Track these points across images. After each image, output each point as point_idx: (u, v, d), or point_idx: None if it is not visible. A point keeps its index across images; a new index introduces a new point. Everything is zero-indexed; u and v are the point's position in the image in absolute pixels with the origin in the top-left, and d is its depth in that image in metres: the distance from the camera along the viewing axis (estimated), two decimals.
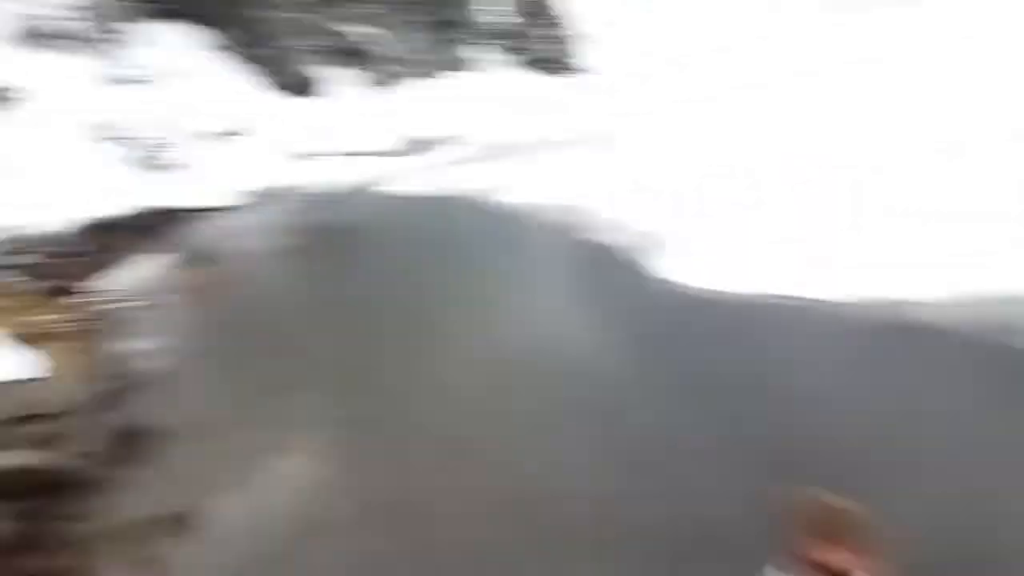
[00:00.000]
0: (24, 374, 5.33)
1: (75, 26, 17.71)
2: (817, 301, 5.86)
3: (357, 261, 8.73)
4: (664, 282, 6.90)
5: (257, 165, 14.78)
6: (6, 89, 12.36)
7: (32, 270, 7.48)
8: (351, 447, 4.35)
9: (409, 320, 6.49)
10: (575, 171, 12.06)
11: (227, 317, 6.95)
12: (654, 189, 9.77)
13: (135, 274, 8.14)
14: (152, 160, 14.11)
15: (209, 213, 11.59)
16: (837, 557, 1.47)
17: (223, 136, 16.90)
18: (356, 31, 23.91)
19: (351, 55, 23.63)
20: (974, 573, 2.93)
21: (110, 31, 18.37)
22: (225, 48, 22.04)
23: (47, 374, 5.41)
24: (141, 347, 6.12)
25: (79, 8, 18.18)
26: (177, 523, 3.76)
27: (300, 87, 21.69)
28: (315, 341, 6.14)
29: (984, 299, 5.48)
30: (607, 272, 7.61)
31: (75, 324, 6.35)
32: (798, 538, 1.52)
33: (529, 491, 3.71)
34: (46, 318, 6.25)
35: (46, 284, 7.15)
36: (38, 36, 16.59)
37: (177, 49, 19.91)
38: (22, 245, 8.42)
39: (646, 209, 8.97)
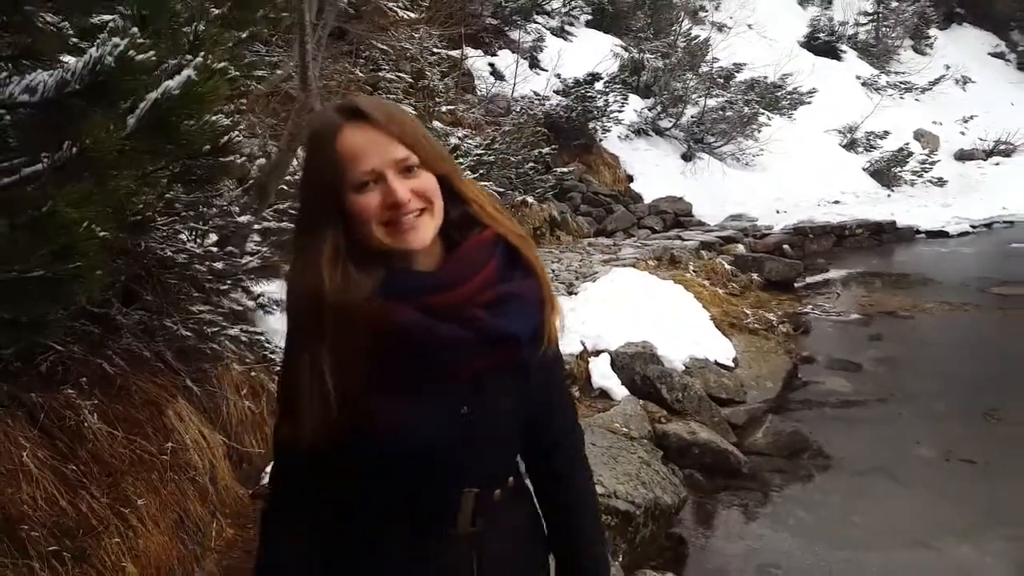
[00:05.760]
0: (720, 358, 5.90)
1: (857, 32, 18.47)
2: None
3: None
4: None
5: (1010, 191, 12.78)
6: (797, 91, 13.77)
7: (742, 261, 8.20)
8: None
9: None
10: None
11: (920, 357, 6.37)
12: None
13: (835, 285, 8.19)
14: (890, 171, 13.81)
15: (931, 236, 10.67)
16: None
17: (979, 154, 15.26)
18: None
19: None
20: None
21: (891, 37, 18.56)
22: (1008, 56, 19.79)
23: (735, 364, 5.89)
24: (826, 360, 6.15)
25: (868, 14, 18.84)
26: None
27: None
28: (1014, 414, 5.15)
29: None
30: None
31: (770, 322, 6.73)
32: None
33: None
34: (746, 310, 6.80)
35: (753, 276, 7.80)
36: (822, 41, 17.93)
37: (955, 57, 18.79)
38: (741, 235, 9.32)
39: None
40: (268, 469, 3.26)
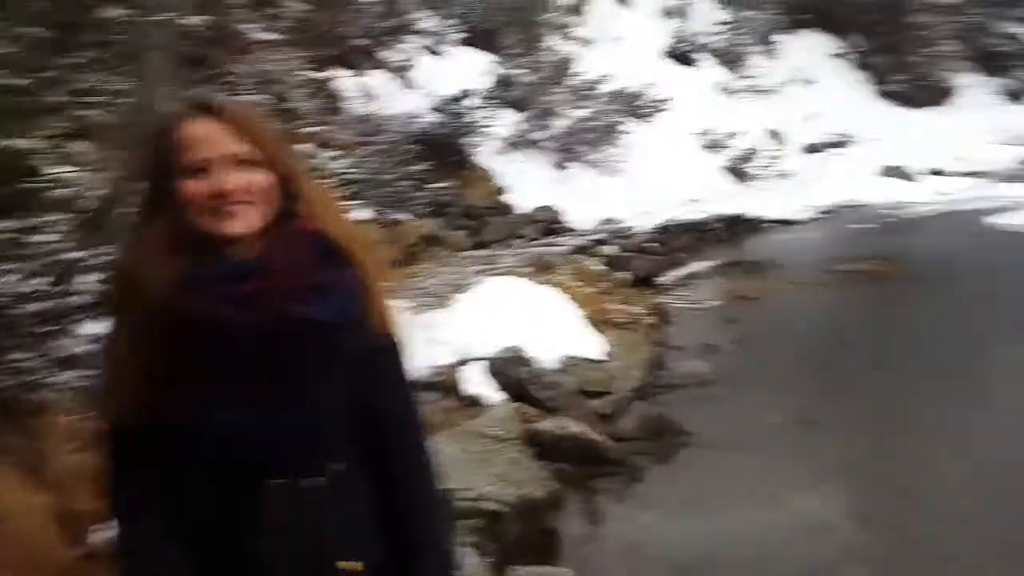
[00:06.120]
0: (591, 354, 6.11)
1: (714, 40, 19.61)
2: None
3: (924, 294, 7.59)
4: None
5: (851, 179, 13.94)
6: (655, 99, 14.47)
7: (612, 261, 8.56)
8: (865, 495, 4.09)
9: (968, 368, 5.60)
10: None
11: (769, 332, 6.89)
12: None
13: (695, 276, 8.70)
14: (746, 169, 14.73)
15: (783, 225, 11.47)
16: None
17: (823, 147, 16.54)
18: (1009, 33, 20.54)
19: (995, 61, 20.48)
20: None
21: (744, 44, 19.77)
22: (849, 56, 21.53)
23: (607, 357, 6.12)
24: (688, 345, 6.53)
25: (724, 24, 20.03)
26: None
27: (919, 97, 19.77)
28: (859, 378, 5.69)
29: None
30: None
31: (637, 316, 7.04)
32: None
33: None
34: (616, 307, 7.09)
35: (622, 275, 8.14)
36: (682, 51, 18.93)
37: (801, 59, 20.28)
38: (611, 237, 9.73)
39: None
40: (95, 527, 3.05)
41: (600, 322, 6.75)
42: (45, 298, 3.09)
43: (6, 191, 2.48)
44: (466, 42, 15.23)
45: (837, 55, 22.03)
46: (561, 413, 5.14)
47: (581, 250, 9.16)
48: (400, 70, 12.94)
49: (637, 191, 12.12)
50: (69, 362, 3.23)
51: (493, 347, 5.57)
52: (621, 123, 13.50)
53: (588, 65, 15.53)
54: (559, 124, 13.38)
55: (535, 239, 10.11)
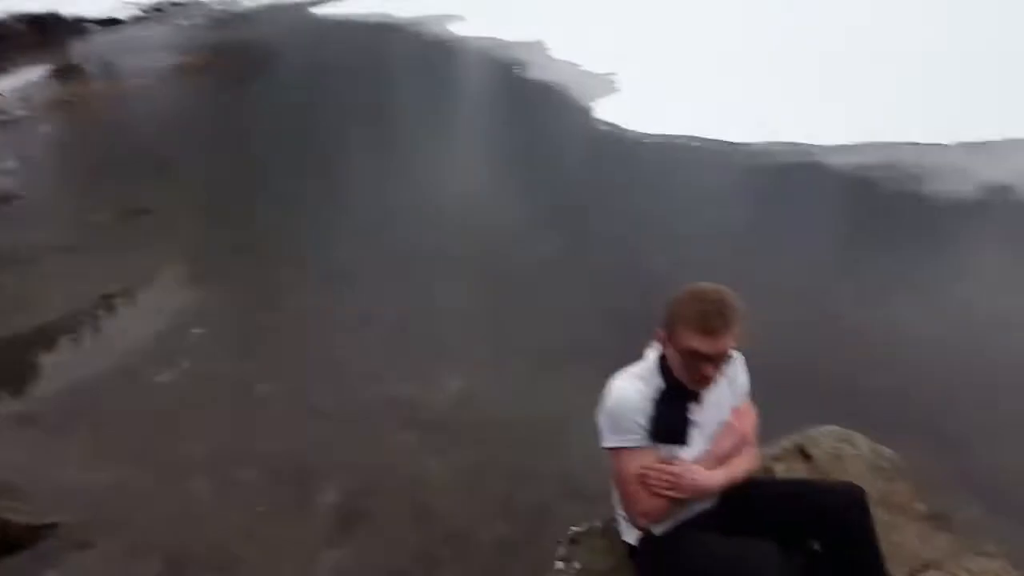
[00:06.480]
0: None
1: None
2: (730, 144, 5.68)
3: (257, 83, 7.91)
4: (591, 120, 6.44)
5: None
6: None
7: None
8: (217, 274, 4.14)
9: (300, 147, 6.05)
10: (534, 6, 10.72)
11: (97, 135, 6.32)
12: (612, 30, 9.00)
13: (12, 83, 7.21)
14: None
15: (105, 25, 10.23)
16: (716, 342, 1.36)
17: None
18: None
19: None
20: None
21: None
22: None
23: None
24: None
25: None
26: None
27: None
28: (193, 165, 5.67)
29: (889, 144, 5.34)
30: (535, 108, 7.09)
31: None
32: (675, 327, 1.40)
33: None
34: None
35: None
36: None
37: None
38: None
39: (597, 49, 8.19)
40: None
41: None
42: None
43: None
44: None
45: None
46: None
47: None
48: None
49: None
50: None
51: None
52: None
53: None
54: None
55: None
